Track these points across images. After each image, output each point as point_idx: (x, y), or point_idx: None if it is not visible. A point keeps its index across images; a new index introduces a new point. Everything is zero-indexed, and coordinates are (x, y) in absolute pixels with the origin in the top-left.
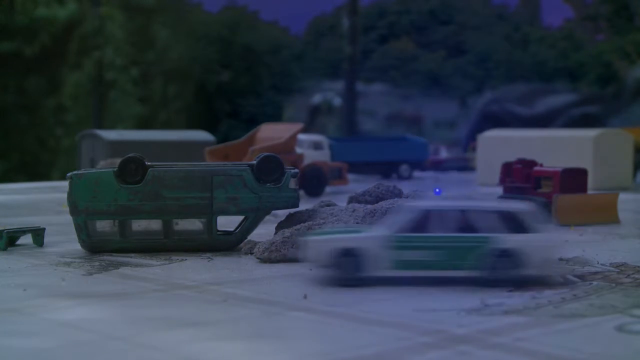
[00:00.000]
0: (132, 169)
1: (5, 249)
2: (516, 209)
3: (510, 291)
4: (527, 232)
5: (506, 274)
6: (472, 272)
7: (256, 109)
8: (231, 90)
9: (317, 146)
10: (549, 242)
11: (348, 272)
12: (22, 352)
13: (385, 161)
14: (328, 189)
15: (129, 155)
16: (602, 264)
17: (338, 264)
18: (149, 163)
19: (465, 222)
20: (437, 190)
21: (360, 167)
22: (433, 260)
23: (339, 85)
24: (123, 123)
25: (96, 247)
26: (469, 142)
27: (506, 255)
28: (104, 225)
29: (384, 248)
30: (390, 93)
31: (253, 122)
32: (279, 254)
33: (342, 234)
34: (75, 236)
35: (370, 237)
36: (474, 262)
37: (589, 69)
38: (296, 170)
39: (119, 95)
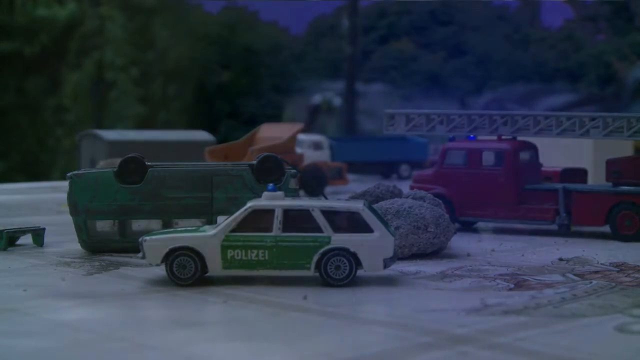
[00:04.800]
0: (132, 169)
1: (5, 249)
2: (349, 208)
3: (510, 290)
4: (361, 232)
5: (338, 274)
6: (303, 272)
7: (256, 110)
8: (231, 90)
9: (317, 146)
10: (383, 241)
11: (183, 271)
12: (22, 352)
13: (385, 161)
14: (328, 188)
15: (129, 155)
16: (602, 264)
17: (172, 263)
18: (149, 163)
19: (299, 221)
20: (271, 186)
21: (360, 167)
22: (260, 259)
23: (339, 85)
24: (123, 123)
25: (96, 247)
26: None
27: (338, 254)
28: (104, 225)
29: (216, 247)
30: (390, 93)
31: (253, 122)
32: None
33: (178, 233)
34: (75, 236)
35: (204, 236)
36: (304, 261)
37: (589, 69)
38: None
39: (119, 95)
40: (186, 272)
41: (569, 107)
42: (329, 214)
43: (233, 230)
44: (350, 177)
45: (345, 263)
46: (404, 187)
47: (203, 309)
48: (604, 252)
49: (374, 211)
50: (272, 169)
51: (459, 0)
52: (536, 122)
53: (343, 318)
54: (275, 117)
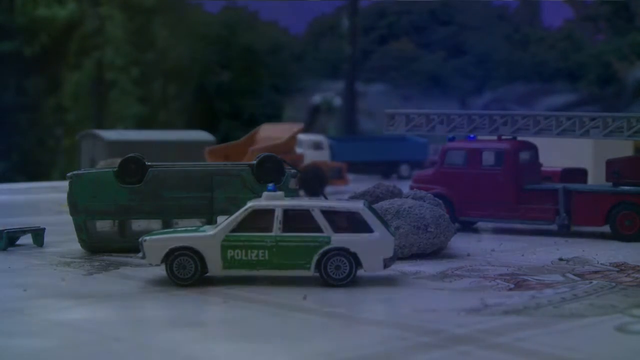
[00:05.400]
0: (132, 169)
1: (5, 249)
2: (349, 208)
3: (510, 290)
4: (361, 232)
5: (338, 274)
6: (303, 272)
7: (256, 110)
8: (231, 90)
9: (317, 146)
10: (383, 241)
11: (183, 271)
12: (22, 352)
13: (385, 161)
14: (328, 189)
15: (129, 155)
16: (602, 264)
17: (172, 263)
18: (149, 163)
19: (299, 221)
20: (271, 186)
21: (360, 167)
22: (260, 259)
23: (339, 85)
24: (123, 123)
25: (96, 247)
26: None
27: (338, 254)
28: (104, 225)
29: (216, 247)
30: (390, 93)
31: (253, 122)
32: None
33: (178, 233)
34: (75, 236)
35: (204, 236)
36: (304, 261)
37: (589, 69)
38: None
39: (119, 95)
40: (186, 272)
41: (569, 107)
42: (329, 214)
43: (233, 230)
44: (350, 177)
45: (345, 263)
46: (404, 187)
47: (203, 309)
48: (604, 252)
49: (374, 211)
50: (272, 169)
51: (459, 0)
52: (536, 122)
53: (343, 318)
54: (275, 117)
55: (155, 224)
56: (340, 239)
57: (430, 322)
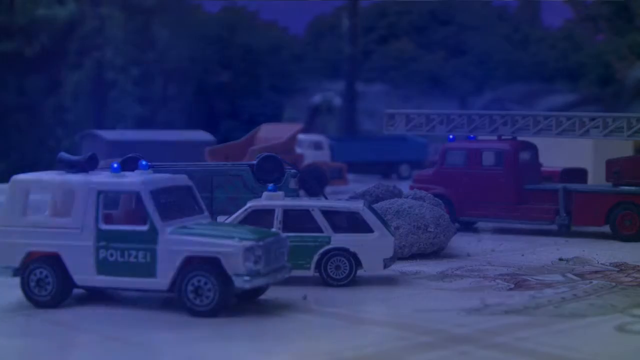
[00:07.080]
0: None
1: None
2: (348, 208)
3: (510, 290)
4: (361, 232)
5: (338, 274)
6: (303, 272)
7: (256, 110)
8: (231, 90)
9: (317, 146)
10: (383, 241)
11: None
12: (22, 352)
13: (385, 161)
14: (328, 189)
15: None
16: (602, 264)
17: None
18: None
19: (299, 221)
20: (271, 186)
21: (360, 167)
22: None
23: (339, 85)
24: (123, 123)
25: None
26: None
27: (337, 254)
28: None
29: None
30: (391, 93)
31: (253, 122)
32: None
33: None
34: None
35: None
36: (304, 261)
37: (589, 69)
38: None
39: (119, 95)
40: None
41: (569, 107)
42: (328, 214)
43: None
44: (350, 177)
45: (345, 263)
46: (404, 187)
47: None
48: (604, 252)
49: (373, 211)
50: (272, 169)
51: (459, 0)
52: (536, 122)
53: (343, 318)
54: (275, 117)
55: None
56: (340, 239)
57: (430, 322)
